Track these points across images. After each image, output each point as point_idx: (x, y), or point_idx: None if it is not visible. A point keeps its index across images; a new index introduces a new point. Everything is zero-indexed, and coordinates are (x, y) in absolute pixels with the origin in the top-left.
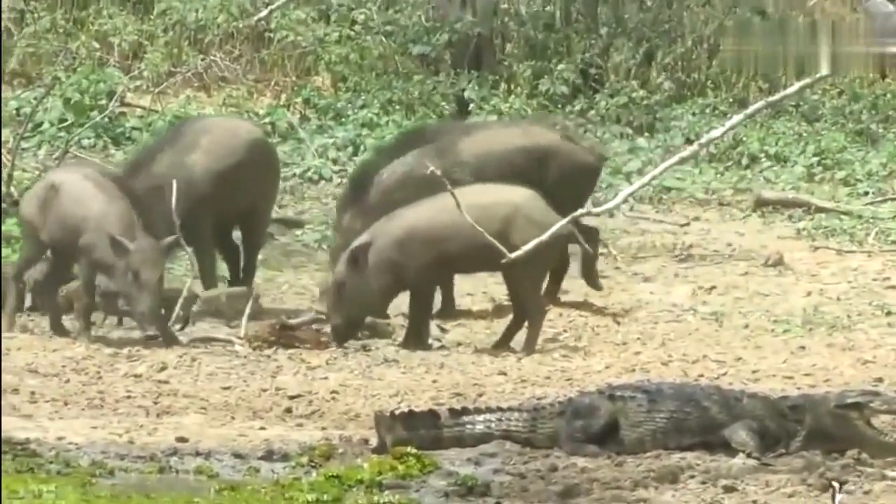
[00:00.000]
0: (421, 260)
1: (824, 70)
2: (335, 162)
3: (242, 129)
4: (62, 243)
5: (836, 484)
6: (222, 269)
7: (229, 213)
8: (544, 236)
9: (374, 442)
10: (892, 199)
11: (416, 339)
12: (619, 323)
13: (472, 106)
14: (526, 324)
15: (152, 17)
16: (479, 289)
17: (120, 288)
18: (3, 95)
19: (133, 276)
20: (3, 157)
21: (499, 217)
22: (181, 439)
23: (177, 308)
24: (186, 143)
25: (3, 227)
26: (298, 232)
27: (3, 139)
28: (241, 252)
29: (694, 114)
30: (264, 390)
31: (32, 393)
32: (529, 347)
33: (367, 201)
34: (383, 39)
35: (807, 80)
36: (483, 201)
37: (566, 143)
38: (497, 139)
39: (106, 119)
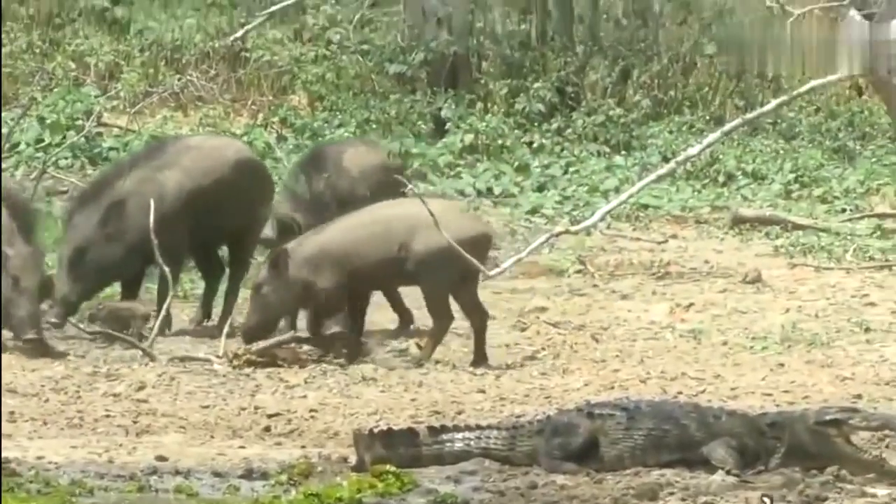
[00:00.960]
0: (333, 279)
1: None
2: None
3: (229, 148)
4: None
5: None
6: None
7: (212, 233)
8: (523, 253)
9: (353, 460)
10: (870, 216)
11: (354, 352)
12: (597, 340)
13: (448, 125)
14: (430, 331)
15: (129, 37)
16: (455, 306)
17: None
18: None
19: (12, 282)
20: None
21: (401, 230)
22: (161, 458)
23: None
24: (166, 160)
25: None
26: None
27: None
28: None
29: (671, 131)
30: (243, 409)
31: (12, 412)
32: (426, 355)
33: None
34: (359, 58)
35: (783, 98)
36: (386, 216)
37: (396, 160)
38: (363, 156)
39: (83, 139)
